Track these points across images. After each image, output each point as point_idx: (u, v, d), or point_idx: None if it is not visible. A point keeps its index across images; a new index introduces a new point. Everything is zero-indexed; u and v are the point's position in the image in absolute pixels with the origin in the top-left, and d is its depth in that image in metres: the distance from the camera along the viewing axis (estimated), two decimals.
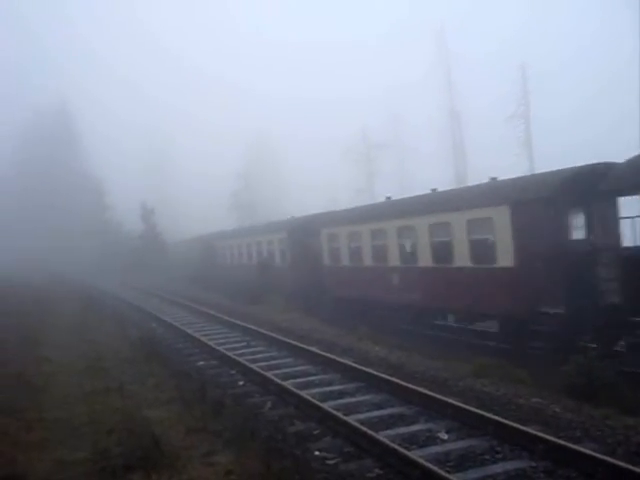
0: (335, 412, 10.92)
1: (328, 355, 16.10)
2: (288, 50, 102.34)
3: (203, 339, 20.07)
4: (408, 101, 69.85)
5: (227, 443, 9.54)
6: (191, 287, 44.57)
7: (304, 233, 30.59)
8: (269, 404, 12.47)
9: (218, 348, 18.30)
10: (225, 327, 23.58)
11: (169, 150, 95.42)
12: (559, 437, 9.15)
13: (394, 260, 22.55)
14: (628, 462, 8.02)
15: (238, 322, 23.26)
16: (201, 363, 16.98)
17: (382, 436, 9.60)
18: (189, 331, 21.93)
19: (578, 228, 16.81)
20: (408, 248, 21.83)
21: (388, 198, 26.05)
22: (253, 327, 21.80)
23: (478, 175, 40.26)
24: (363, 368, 14.22)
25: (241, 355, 17.32)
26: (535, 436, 9.04)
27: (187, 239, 59.07)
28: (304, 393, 12.49)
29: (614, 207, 14.69)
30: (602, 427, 9.91)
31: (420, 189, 24.96)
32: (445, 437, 9.89)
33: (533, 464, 8.55)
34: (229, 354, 17.23)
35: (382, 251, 23.28)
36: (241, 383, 14.46)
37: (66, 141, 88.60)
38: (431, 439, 9.84)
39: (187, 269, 51.77)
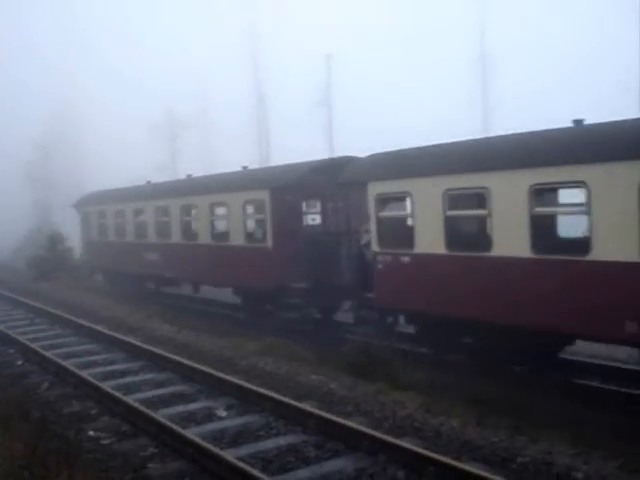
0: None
1: None
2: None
3: None
4: (217, 80, 68.76)
5: None
6: None
7: None
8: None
9: None
10: None
11: None
12: (331, 412, 9.60)
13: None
14: (390, 434, 8.59)
15: None
16: None
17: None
18: None
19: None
20: None
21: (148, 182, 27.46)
22: None
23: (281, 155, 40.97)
24: None
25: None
26: (308, 412, 9.43)
27: None
28: None
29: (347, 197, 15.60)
30: (373, 402, 10.45)
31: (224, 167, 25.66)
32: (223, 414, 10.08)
33: (305, 438, 8.90)
34: None
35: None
36: None
37: None
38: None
39: None
